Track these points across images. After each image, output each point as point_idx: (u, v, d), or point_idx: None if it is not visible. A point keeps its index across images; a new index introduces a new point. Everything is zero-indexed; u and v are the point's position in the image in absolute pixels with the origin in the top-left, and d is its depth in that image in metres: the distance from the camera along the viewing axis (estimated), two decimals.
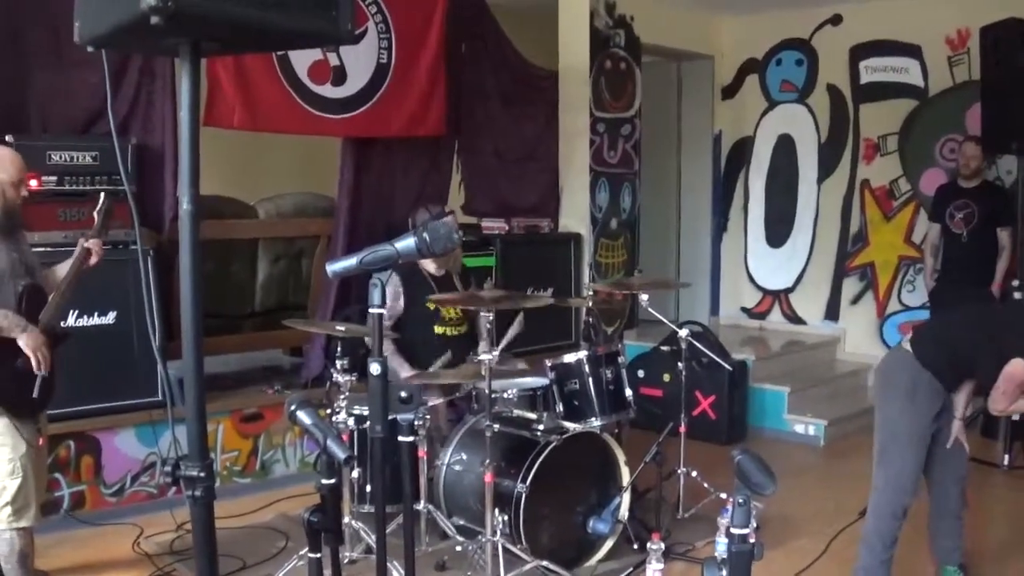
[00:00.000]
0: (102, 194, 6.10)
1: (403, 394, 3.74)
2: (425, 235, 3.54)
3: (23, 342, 5.49)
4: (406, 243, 3.56)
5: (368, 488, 6.81)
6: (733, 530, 3.38)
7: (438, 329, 7.77)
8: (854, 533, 5.90)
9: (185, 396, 3.07)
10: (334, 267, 3.69)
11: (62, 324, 6.28)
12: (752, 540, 3.42)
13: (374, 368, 3.60)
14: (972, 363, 5.84)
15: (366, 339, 7.45)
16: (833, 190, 12.30)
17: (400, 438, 4.16)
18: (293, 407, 3.56)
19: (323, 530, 3.51)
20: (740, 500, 3.36)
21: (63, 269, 5.91)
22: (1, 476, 5.58)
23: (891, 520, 5.79)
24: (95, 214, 5.96)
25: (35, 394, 5.66)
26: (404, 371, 7.49)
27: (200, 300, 3.06)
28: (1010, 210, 9.66)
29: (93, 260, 5.90)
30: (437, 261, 7.67)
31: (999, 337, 5.72)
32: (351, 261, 3.61)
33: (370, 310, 3.68)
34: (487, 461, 6.17)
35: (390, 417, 3.71)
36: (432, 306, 7.63)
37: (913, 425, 5.80)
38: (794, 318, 12.77)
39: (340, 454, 3.44)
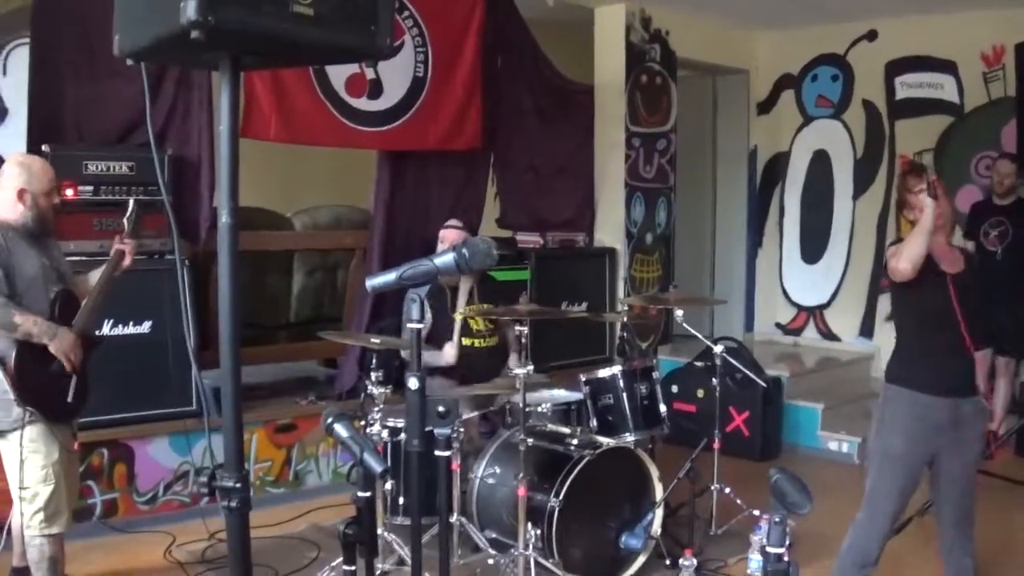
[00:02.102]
0: (131, 201, 6.15)
1: (440, 408, 3.74)
2: (464, 251, 3.54)
3: (54, 347, 5.53)
4: (445, 259, 3.55)
5: (401, 500, 6.83)
6: (769, 549, 3.38)
7: (465, 341, 7.77)
8: (889, 551, 5.86)
9: (222, 406, 3.08)
10: (373, 282, 3.69)
11: (96, 332, 6.30)
12: (786, 559, 3.41)
13: (412, 382, 3.60)
14: (897, 333, 5.87)
15: (402, 352, 7.49)
16: (868, 206, 12.25)
17: (437, 452, 4.15)
18: (330, 420, 3.56)
19: (358, 542, 3.51)
20: (776, 519, 3.35)
21: (95, 276, 5.96)
22: (34, 482, 5.61)
23: (859, 567, 5.74)
24: (124, 221, 6.01)
25: (69, 399, 5.70)
26: (440, 357, 7.55)
27: (238, 311, 3.07)
28: None
29: (127, 261, 5.94)
30: (466, 278, 7.67)
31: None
32: (390, 276, 3.60)
33: (409, 325, 3.68)
34: (520, 475, 6.18)
35: (427, 430, 3.71)
36: (459, 317, 7.65)
37: (885, 445, 5.71)
38: (829, 335, 12.73)
39: (376, 467, 3.44)
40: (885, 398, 5.81)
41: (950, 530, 5.82)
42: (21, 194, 5.61)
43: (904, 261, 5.36)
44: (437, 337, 7.72)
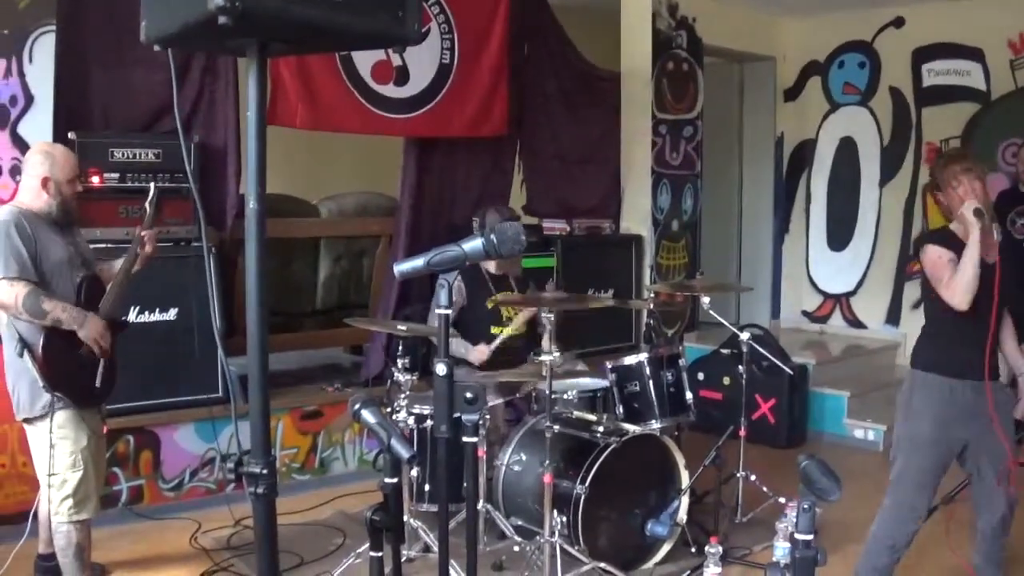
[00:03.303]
0: (152, 185, 6.18)
1: (468, 395, 3.73)
2: (493, 237, 3.52)
3: (83, 334, 5.60)
4: (473, 244, 3.54)
5: (427, 487, 6.85)
6: (797, 535, 3.37)
7: (495, 329, 7.77)
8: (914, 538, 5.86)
9: (249, 393, 3.09)
10: (401, 267, 3.68)
11: (122, 318, 6.32)
12: (814, 545, 3.40)
13: (440, 368, 3.60)
14: (929, 320, 5.84)
15: (433, 338, 7.48)
16: (895, 193, 12.21)
17: (465, 438, 4.14)
18: (358, 406, 3.56)
19: (385, 529, 3.51)
20: (805, 506, 3.34)
21: (118, 264, 6.00)
22: (62, 469, 5.65)
23: (887, 553, 5.76)
24: (146, 205, 6.06)
25: (98, 383, 5.74)
26: (471, 352, 7.55)
27: (265, 298, 3.07)
28: None
29: (148, 249, 5.99)
30: (498, 263, 7.67)
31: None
32: (418, 262, 3.59)
33: (437, 311, 3.67)
34: (546, 462, 6.17)
35: (454, 416, 3.70)
36: (491, 305, 7.65)
37: (914, 431, 5.71)
38: (855, 322, 12.70)
39: (404, 453, 3.44)
40: (913, 385, 5.78)
41: (984, 538, 5.82)
42: (45, 182, 5.66)
43: (960, 296, 5.30)
44: (468, 323, 7.76)
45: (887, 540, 5.73)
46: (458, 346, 7.61)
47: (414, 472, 6.73)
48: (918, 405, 5.70)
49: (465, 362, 7.63)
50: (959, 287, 5.32)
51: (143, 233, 5.99)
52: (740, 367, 7.79)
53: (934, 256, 5.53)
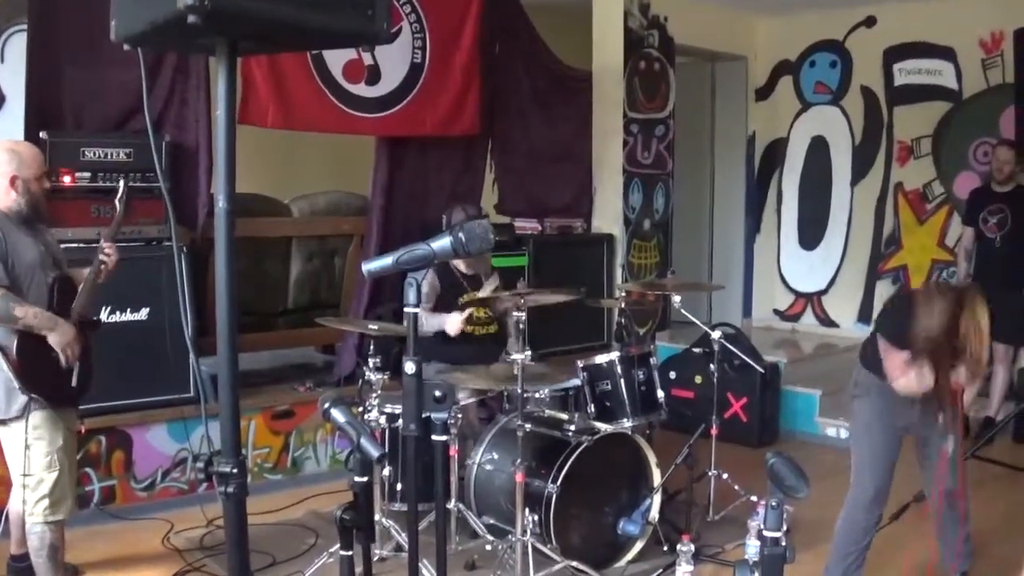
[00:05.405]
0: (121, 182, 6.17)
1: (437, 393, 3.73)
2: (461, 235, 3.52)
3: (53, 340, 5.57)
4: (442, 243, 3.55)
5: (399, 486, 6.84)
6: (766, 533, 3.37)
7: (466, 328, 7.75)
8: (885, 535, 5.88)
9: (219, 393, 3.09)
10: (369, 267, 3.68)
11: (94, 318, 6.30)
12: (783, 543, 3.41)
13: (409, 367, 3.60)
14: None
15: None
16: (866, 192, 12.26)
17: (434, 437, 4.14)
18: (327, 405, 3.56)
19: (355, 528, 3.51)
20: (773, 503, 3.35)
21: (87, 272, 5.97)
22: (38, 469, 5.62)
23: (853, 543, 5.78)
24: (116, 202, 6.04)
25: (74, 383, 5.73)
26: (446, 322, 7.55)
27: (235, 297, 3.07)
28: None
29: (112, 261, 5.93)
30: (467, 261, 7.67)
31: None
32: (387, 261, 3.59)
33: (405, 309, 3.67)
34: (518, 461, 6.17)
35: (424, 415, 3.70)
36: (463, 303, 7.65)
37: (858, 414, 5.82)
38: (826, 321, 12.75)
39: (373, 452, 3.44)
40: (857, 376, 5.87)
41: (940, 510, 5.85)
42: (13, 181, 5.62)
43: (905, 384, 5.38)
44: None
45: (850, 529, 5.76)
46: (431, 320, 7.58)
47: (386, 471, 6.73)
48: (860, 389, 5.80)
49: (438, 354, 7.59)
50: (905, 384, 5.37)
51: (104, 244, 5.95)
52: (712, 366, 7.83)
53: (895, 361, 5.46)
